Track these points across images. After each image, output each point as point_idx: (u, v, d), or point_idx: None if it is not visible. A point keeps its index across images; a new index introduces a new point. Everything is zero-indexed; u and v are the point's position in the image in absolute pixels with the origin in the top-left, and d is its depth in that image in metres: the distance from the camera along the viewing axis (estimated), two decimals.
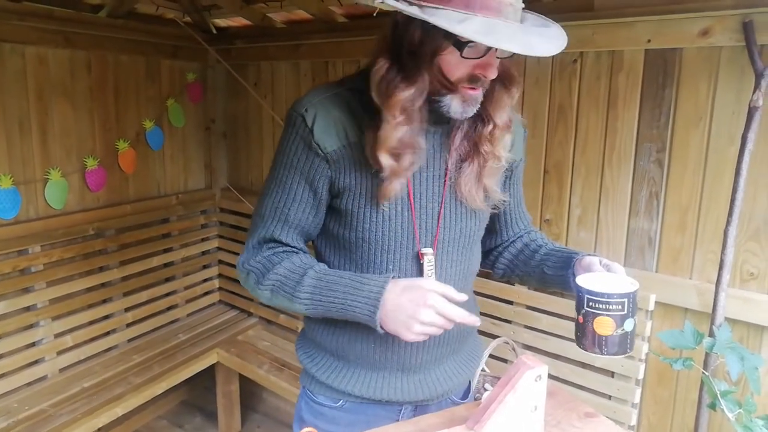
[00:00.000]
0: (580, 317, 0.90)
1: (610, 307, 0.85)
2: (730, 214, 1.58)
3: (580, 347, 0.92)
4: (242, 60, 2.90)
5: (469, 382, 1.30)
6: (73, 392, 2.19)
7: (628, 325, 0.87)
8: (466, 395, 1.28)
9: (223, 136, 3.12)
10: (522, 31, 0.88)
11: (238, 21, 2.88)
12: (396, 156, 0.95)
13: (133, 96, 2.63)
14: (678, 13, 1.66)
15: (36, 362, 2.25)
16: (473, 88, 0.94)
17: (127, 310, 2.61)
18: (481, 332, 2.20)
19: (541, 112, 2.00)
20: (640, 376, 1.83)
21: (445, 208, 1.06)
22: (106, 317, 2.52)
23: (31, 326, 2.24)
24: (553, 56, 1.94)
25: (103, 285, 2.50)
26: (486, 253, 1.31)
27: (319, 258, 1.13)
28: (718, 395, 1.43)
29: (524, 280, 1.29)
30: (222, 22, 2.95)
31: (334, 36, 2.50)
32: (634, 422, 1.85)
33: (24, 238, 2.19)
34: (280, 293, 1.02)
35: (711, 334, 1.58)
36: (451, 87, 0.93)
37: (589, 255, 1.08)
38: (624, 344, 0.88)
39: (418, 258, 1.05)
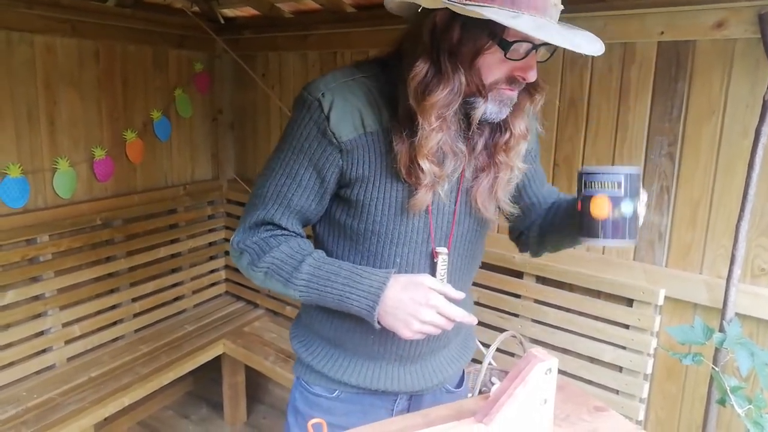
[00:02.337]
0: (579, 203, 0.88)
1: (606, 185, 0.83)
2: (742, 209, 1.56)
3: (579, 238, 0.91)
4: (250, 50, 2.89)
5: (463, 371, 1.30)
6: (80, 381, 2.20)
7: (626, 207, 0.83)
8: (459, 384, 1.28)
9: (231, 126, 3.11)
10: (567, 30, 0.87)
11: (246, 11, 2.87)
12: (437, 162, 0.94)
13: (140, 86, 2.63)
14: (692, 5, 1.64)
15: (44, 351, 2.26)
16: (511, 89, 0.92)
17: (134, 300, 2.62)
18: (489, 326, 2.19)
19: (551, 104, 1.98)
20: (649, 371, 1.82)
21: (460, 207, 1.05)
22: (114, 307, 2.53)
23: (39, 315, 2.24)
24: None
25: (110, 275, 2.51)
26: (519, 236, 1.30)
27: (319, 245, 1.10)
28: (728, 391, 1.41)
29: (558, 242, 1.21)
30: (230, 12, 2.94)
31: (342, 26, 2.48)
32: (641, 417, 1.84)
33: (32, 227, 2.19)
34: (274, 277, 1.00)
35: (721, 330, 1.57)
36: (485, 90, 0.91)
37: None
38: (622, 229, 0.84)
39: (431, 256, 1.04)
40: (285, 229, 1.03)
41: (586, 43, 0.87)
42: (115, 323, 2.54)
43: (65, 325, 2.33)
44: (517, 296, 2.12)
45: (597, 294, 1.95)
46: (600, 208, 0.83)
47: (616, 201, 0.83)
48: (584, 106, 1.92)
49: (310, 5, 2.61)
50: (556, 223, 1.17)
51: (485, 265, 2.21)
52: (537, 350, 0.91)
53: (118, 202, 2.55)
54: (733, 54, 1.62)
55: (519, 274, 2.12)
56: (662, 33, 1.71)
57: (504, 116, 0.95)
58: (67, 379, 2.21)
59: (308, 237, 1.09)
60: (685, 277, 1.77)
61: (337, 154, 0.96)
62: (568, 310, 2.00)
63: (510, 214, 1.10)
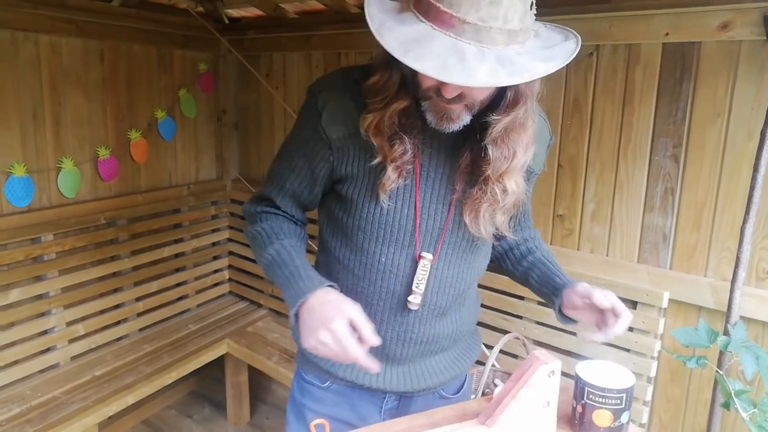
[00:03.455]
0: (579, 407, 0.94)
1: (609, 401, 0.90)
2: (747, 212, 1.55)
3: None
4: (254, 50, 2.89)
5: (465, 377, 1.28)
6: (84, 380, 2.21)
7: (625, 417, 0.92)
8: (457, 391, 1.27)
9: (235, 127, 3.12)
10: (477, 54, 0.78)
11: (250, 11, 2.87)
12: (387, 141, 0.95)
13: (145, 86, 2.63)
14: (697, 6, 1.63)
15: (48, 350, 2.27)
16: (445, 103, 0.88)
17: (138, 299, 2.62)
18: (492, 327, 2.19)
19: (555, 105, 1.98)
20: (652, 374, 1.82)
21: (453, 217, 1.04)
22: (117, 306, 2.54)
23: (43, 314, 2.25)
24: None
25: (114, 274, 2.52)
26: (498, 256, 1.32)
27: (322, 240, 1.15)
28: (733, 394, 1.41)
29: (509, 275, 1.29)
30: (234, 12, 2.94)
31: (346, 27, 2.48)
32: (645, 420, 1.84)
33: (37, 226, 2.20)
34: (254, 245, 1.11)
35: (725, 333, 1.56)
36: (419, 96, 0.92)
37: (577, 283, 1.07)
38: None
39: (415, 259, 1.04)
40: (279, 208, 1.12)
41: (508, 74, 0.78)
42: (118, 322, 2.54)
43: (69, 324, 2.34)
44: (521, 298, 2.12)
45: None
46: (602, 419, 0.91)
47: (617, 413, 0.91)
48: (588, 107, 1.92)
49: (314, 6, 2.61)
50: (516, 273, 1.25)
51: (489, 266, 2.21)
52: (540, 352, 0.91)
53: (123, 201, 2.56)
54: (738, 56, 1.62)
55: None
56: (667, 34, 1.71)
57: (453, 129, 0.92)
58: (71, 378, 2.21)
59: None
60: (689, 280, 1.76)
61: (327, 150, 1.01)
62: None
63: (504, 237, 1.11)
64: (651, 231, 1.84)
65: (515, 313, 2.12)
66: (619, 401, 0.90)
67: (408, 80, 0.92)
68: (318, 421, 0.91)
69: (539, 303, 2.07)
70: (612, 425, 0.90)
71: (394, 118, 0.93)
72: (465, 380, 1.29)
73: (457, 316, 1.15)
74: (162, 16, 2.61)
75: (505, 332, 1.87)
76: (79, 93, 2.35)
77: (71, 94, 2.33)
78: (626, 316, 0.97)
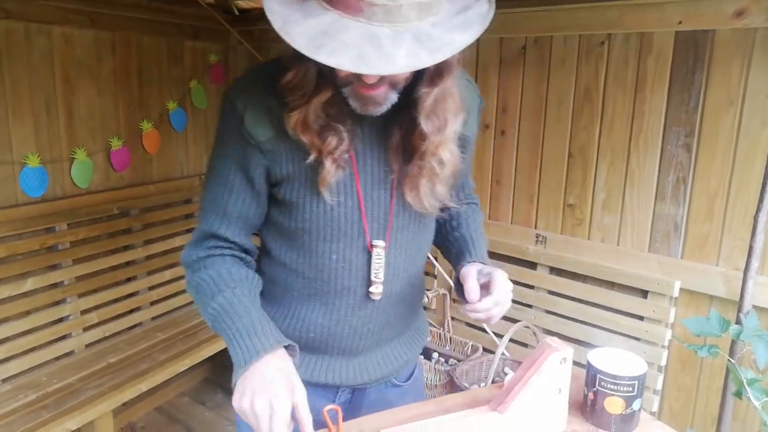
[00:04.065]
0: (591, 394, 0.94)
1: (621, 389, 0.90)
2: (760, 201, 1.54)
3: (588, 422, 0.95)
4: (264, 42, 2.89)
5: (415, 365, 1.25)
6: (99, 367, 2.24)
7: (636, 404, 0.92)
8: (408, 378, 1.23)
9: None
10: (392, 37, 0.74)
11: (260, 2, 2.87)
12: (317, 135, 0.89)
13: (156, 77, 2.65)
14: None
15: (63, 338, 2.30)
16: (368, 88, 0.83)
17: (151, 288, 2.65)
18: (504, 317, 2.19)
19: (566, 94, 1.97)
20: (663, 363, 1.82)
21: (397, 199, 1.00)
22: (131, 295, 2.56)
23: (58, 303, 2.28)
24: (579, 37, 1.92)
25: (127, 264, 2.54)
26: None
27: (264, 245, 1.08)
28: (745, 383, 1.40)
29: (438, 247, 1.23)
30: (244, 4, 2.94)
31: None
32: (655, 408, 1.84)
33: (51, 216, 2.22)
34: (198, 296, 0.98)
35: (738, 322, 1.56)
36: (338, 85, 0.86)
37: (472, 263, 1.04)
38: (632, 422, 0.93)
39: (368, 249, 1.00)
40: (228, 240, 1.00)
41: (428, 53, 0.74)
42: (132, 311, 2.57)
43: (83, 312, 2.37)
44: (531, 287, 2.12)
45: (611, 285, 1.94)
46: (614, 406, 0.91)
47: (629, 401, 0.91)
48: (599, 96, 1.91)
49: None
50: (441, 246, 1.19)
51: (499, 256, 2.21)
52: (552, 340, 0.91)
53: (135, 191, 2.58)
54: (753, 44, 1.60)
55: (533, 265, 2.12)
56: (680, 22, 1.69)
57: (379, 113, 0.88)
58: (85, 365, 2.24)
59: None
60: (701, 269, 1.76)
61: (258, 154, 0.94)
62: (581, 301, 2.00)
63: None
64: (662, 220, 1.84)
65: (525, 303, 2.13)
66: (631, 388, 0.90)
67: (325, 71, 0.85)
68: (331, 406, 0.92)
69: (549, 292, 2.08)
70: (624, 412, 0.91)
71: (319, 111, 0.88)
72: (415, 367, 1.25)
73: (410, 300, 1.13)
74: (172, 7, 2.62)
75: (515, 321, 1.87)
76: (91, 85, 2.37)
77: (84, 85, 2.34)
78: (492, 303, 0.94)
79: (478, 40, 0.79)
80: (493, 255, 2.24)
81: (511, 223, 2.21)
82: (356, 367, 1.10)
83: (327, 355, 1.08)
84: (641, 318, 1.86)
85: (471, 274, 0.97)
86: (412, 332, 1.19)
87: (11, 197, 2.12)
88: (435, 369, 2.04)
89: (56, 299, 2.27)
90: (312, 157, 0.91)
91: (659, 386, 1.85)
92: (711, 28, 1.66)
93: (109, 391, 2.07)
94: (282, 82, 0.87)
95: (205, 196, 1.00)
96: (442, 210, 1.05)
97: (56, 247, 2.25)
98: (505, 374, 1.97)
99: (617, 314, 1.91)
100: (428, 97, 0.87)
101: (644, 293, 1.87)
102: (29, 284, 2.16)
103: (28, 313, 2.17)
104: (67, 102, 2.29)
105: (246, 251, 1.04)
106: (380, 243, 1.00)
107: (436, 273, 2.36)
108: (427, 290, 2.20)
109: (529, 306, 2.12)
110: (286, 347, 0.91)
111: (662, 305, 1.81)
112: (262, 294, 1.02)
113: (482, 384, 2.01)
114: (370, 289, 1.01)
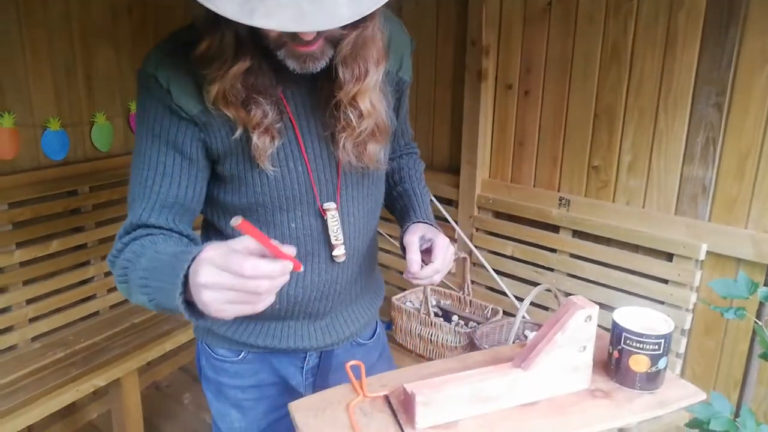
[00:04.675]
0: (616, 352, 0.93)
1: (647, 347, 0.89)
2: None
3: (613, 380, 0.94)
4: None
5: (376, 323, 1.24)
6: (123, 327, 2.28)
7: (662, 363, 0.91)
8: (371, 336, 1.22)
9: None
10: None
11: None
12: (242, 108, 0.84)
13: None
14: None
15: (88, 299, 2.35)
16: (305, 45, 0.77)
17: None
18: (523, 280, 2.19)
19: (593, 52, 1.91)
20: (687, 326, 1.80)
21: (343, 159, 0.95)
22: None
23: (82, 264, 2.32)
24: None
25: None
26: None
27: (215, 229, 1.01)
28: None
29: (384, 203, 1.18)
30: None
31: None
32: (678, 372, 1.83)
33: (73, 178, 2.24)
34: (127, 284, 0.83)
35: (766, 284, 1.53)
36: (272, 49, 0.79)
37: (416, 224, 1.04)
38: (656, 380, 0.92)
39: (321, 214, 0.98)
40: (162, 228, 0.89)
41: (350, 7, 0.67)
42: None
43: (107, 274, 2.40)
44: (553, 251, 2.10)
45: (635, 248, 1.91)
46: (639, 364, 0.90)
47: (654, 359, 0.90)
48: (628, 54, 1.84)
49: None
50: (395, 216, 1.17)
51: (520, 220, 2.19)
52: (577, 298, 0.90)
53: None
54: None
55: (555, 229, 2.10)
56: None
57: (319, 69, 0.82)
58: (110, 325, 2.29)
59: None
60: (729, 232, 1.72)
61: (193, 127, 0.87)
62: (604, 264, 1.97)
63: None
64: (690, 182, 1.79)
65: (547, 266, 2.11)
66: (657, 347, 0.89)
67: (243, 37, 0.79)
68: (353, 362, 0.92)
69: (572, 256, 2.05)
70: (649, 370, 0.89)
71: (238, 83, 0.82)
72: (377, 324, 1.25)
73: (370, 257, 1.13)
74: None
75: (536, 284, 1.86)
76: (109, 47, 2.36)
77: (102, 48, 2.33)
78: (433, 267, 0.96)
79: None
80: (514, 218, 2.22)
81: (534, 186, 2.17)
82: (323, 328, 1.09)
83: (293, 320, 1.06)
84: (665, 281, 1.84)
85: (413, 243, 0.97)
86: (372, 289, 1.19)
87: (34, 160, 2.14)
88: (455, 331, 2.05)
89: (81, 261, 2.31)
90: (238, 133, 0.85)
91: (682, 350, 1.83)
92: None
93: (134, 350, 2.12)
94: (195, 53, 0.81)
95: (132, 187, 0.90)
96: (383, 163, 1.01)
97: (79, 210, 2.28)
98: (525, 337, 1.97)
99: (641, 277, 1.88)
100: (346, 41, 0.81)
101: (669, 256, 1.83)
102: (54, 246, 2.20)
103: (54, 274, 2.22)
104: (86, 65, 2.28)
105: (188, 238, 0.92)
106: (331, 205, 0.97)
107: (456, 237, 2.35)
108: None
109: (551, 269, 2.11)
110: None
111: (688, 268, 1.78)
112: None
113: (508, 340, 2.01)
114: (333, 253, 1.00)
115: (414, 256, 0.96)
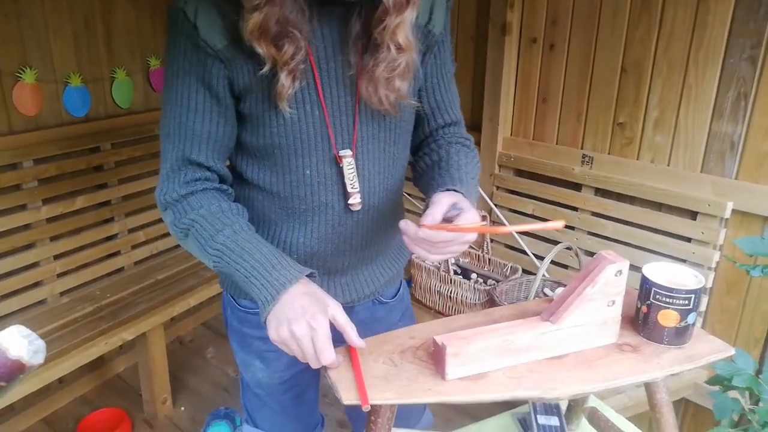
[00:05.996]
0: (644, 307, 0.92)
1: (676, 301, 0.89)
2: None
3: (640, 335, 0.94)
4: None
5: (400, 282, 1.23)
6: (148, 283, 2.33)
7: (691, 318, 0.90)
8: (394, 295, 1.22)
9: None
10: None
11: None
12: (273, 44, 0.82)
13: None
14: None
15: (113, 255, 2.39)
16: None
17: None
18: (543, 238, 2.18)
19: (622, 3, 1.85)
20: (709, 285, 1.79)
21: (361, 103, 0.94)
22: None
23: (106, 221, 2.35)
24: None
25: None
26: (416, 148, 1.13)
27: (233, 169, 1.03)
28: None
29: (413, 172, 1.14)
30: None
31: None
32: None
33: (95, 135, 2.25)
34: (193, 238, 0.91)
35: None
36: None
37: (452, 192, 0.91)
38: (685, 335, 0.91)
39: (337, 161, 0.96)
40: (203, 166, 0.94)
41: None
42: None
43: (131, 231, 2.44)
44: (575, 209, 2.09)
45: (659, 207, 1.90)
46: (668, 319, 0.89)
47: (683, 314, 0.89)
48: (659, 4, 1.78)
49: None
50: (425, 183, 1.05)
51: (542, 177, 2.17)
52: (608, 252, 0.90)
53: None
54: None
55: (578, 187, 2.08)
56: None
57: None
58: (136, 281, 2.34)
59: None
60: (756, 190, 1.69)
61: (219, 63, 0.88)
62: (627, 222, 1.96)
63: (415, 109, 1.02)
64: (718, 139, 1.76)
65: (568, 224, 2.10)
66: (686, 302, 0.89)
67: None
68: (362, 341, 0.89)
69: (593, 214, 2.04)
70: (678, 325, 0.90)
71: (279, 13, 0.81)
72: (401, 283, 1.24)
73: (391, 215, 1.08)
74: None
75: (556, 243, 1.85)
76: (128, 1, 2.33)
77: (121, 2, 2.30)
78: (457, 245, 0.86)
79: None
80: (535, 176, 2.20)
81: (557, 143, 2.14)
82: (343, 285, 1.10)
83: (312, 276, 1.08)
84: (689, 240, 1.83)
85: (440, 202, 0.86)
86: (394, 249, 1.17)
87: (57, 116, 2.15)
88: (475, 288, 2.06)
89: (105, 217, 2.35)
90: (267, 68, 0.84)
91: (703, 308, 1.84)
92: None
93: (159, 305, 2.17)
94: None
95: (166, 123, 0.92)
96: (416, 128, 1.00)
97: (102, 167, 2.30)
98: (545, 294, 1.98)
99: (664, 236, 1.87)
100: None
101: (693, 215, 1.82)
102: (79, 203, 2.23)
103: (79, 230, 2.26)
104: (106, 20, 2.27)
105: (223, 179, 0.98)
106: (347, 152, 0.96)
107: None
108: None
109: (572, 228, 2.10)
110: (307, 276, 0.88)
111: (712, 227, 1.76)
112: None
113: (514, 301, 2.02)
114: (349, 201, 0.99)
115: (435, 210, 0.85)
